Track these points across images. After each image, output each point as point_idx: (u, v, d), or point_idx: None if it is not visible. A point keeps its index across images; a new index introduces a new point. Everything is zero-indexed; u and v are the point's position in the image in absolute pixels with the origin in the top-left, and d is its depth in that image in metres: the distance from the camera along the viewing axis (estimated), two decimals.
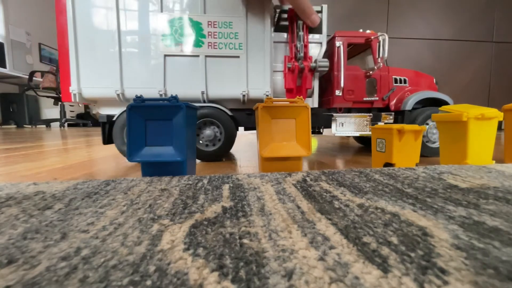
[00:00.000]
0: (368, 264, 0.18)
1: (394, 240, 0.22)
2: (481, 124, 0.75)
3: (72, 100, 1.08)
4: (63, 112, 3.75)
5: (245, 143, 1.85)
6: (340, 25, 2.72)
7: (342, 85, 1.30)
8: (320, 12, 1.28)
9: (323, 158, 1.16)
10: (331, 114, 1.31)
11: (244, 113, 1.22)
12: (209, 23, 1.10)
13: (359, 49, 1.52)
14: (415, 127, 0.78)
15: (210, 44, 1.11)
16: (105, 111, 1.16)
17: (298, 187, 0.40)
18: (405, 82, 1.41)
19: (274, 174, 0.48)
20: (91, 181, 0.44)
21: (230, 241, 0.22)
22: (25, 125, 4.00)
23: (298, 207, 0.31)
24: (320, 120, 1.34)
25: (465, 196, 0.35)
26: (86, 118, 4.82)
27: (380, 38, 1.28)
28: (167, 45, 1.10)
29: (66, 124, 3.93)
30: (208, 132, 1.10)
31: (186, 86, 1.13)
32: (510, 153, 0.85)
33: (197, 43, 1.11)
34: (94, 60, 1.07)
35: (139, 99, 0.55)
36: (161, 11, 1.09)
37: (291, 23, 1.22)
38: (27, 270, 0.18)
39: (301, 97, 0.74)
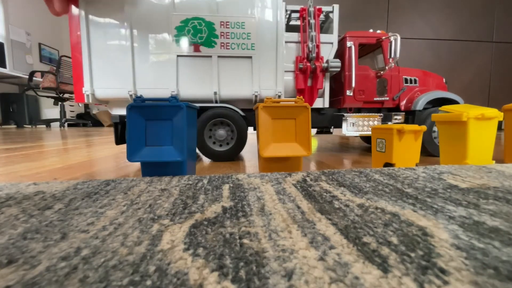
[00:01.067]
0: (368, 264, 0.18)
1: (394, 240, 0.22)
2: (481, 124, 0.75)
3: (85, 100, 1.08)
4: (63, 112, 3.75)
5: None
6: (340, 25, 2.72)
7: (353, 85, 1.30)
8: (331, 12, 1.27)
9: (323, 158, 1.16)
10: (342, 114, 1.32)
11: (254, 113, 1.23)
12: (222, 23, 1.11)
13: (369, 49, 1.53)
14: (415, 127, 0.78)
15: (222, 44, 1.11)
16: (117, 111, 1.17)
17: (298, 187, 0.40)
18: (415, 82, 1.42)
19: (274, 174, 0.48)
20: (91, 181, 0.44)
21: (230, 241, 0.22)
22: (25, 125, 4.00)
23: (298, 207, 0.31)
24: (331, 120, 1.34)
25: (465, 196, 0.35)
26: (86, 118, 4.82)
27: (392, 39, 1.28)
28: (179, 46, 1.10)
29: (66, 124, 3.93)
30: (220, 132, 1.10)
31: (199, 86, 1.13)
32: (510, 153, 0.85)
33: (210, 44, 1.11)
34: (107, 61, 1.07)
35: (139, 99, 0.55)
36: (174, 11, 1.08)
37: (303, 22, 1.22)
38: (27, 270, 0.18)
39: (301, 97, 0.74)
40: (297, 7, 1.23)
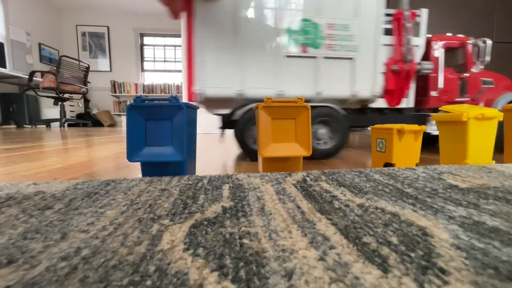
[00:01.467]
0: (368, 264, 0.18)
1: (394, 240, 0.22)
2: (481, 124, 0.75)
3: (196, 99, 1.13)
4: (63, 112, 3.75)
5: None
6: None
7: (441, 86, 1.40)
8: (419, 16, 1.34)
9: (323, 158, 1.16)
10: (427, 114, 1.40)
11: (353, 113, 1.30)
12: (328, 25, 1.14)
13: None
14: (415, 127, 0.78)
15: (328, 45, 1.15)
16: (215, 111, 1.21)
17: (298, 187, 0.40)
18: (491, 84, 1.51)
19: (274, 174, 0.48)
20: (91, 181, 0.44)
21: (230, 241, 0.22)
22: (25, 125, 4.00)
23: (298, 207, 0.31)
24: (413, 119, 1.41)
25: (465, 196, 0.35)
26: (86, 118, 4.82)
27: (482, 43, 1.39)
28: (288, 46, 1.13)
29: (66, 124, 3.93)
30: (322, 130, 1.14)
31: (302, 86, 1.16)
32: (510, 153, 0.85)
33: (316, 45, 1.14)
34: (218, 62, 1.11)
35: (139, 99, 0.55)
36: (283, 13, 1.12)
37: (398, 26, 1.29)
38: (27, 270, 0.18)
39: (301, 97, 0.74)
40: (392, 11, 1.30)
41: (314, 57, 1.15)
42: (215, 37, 1.10)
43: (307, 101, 1.14)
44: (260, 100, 1.13)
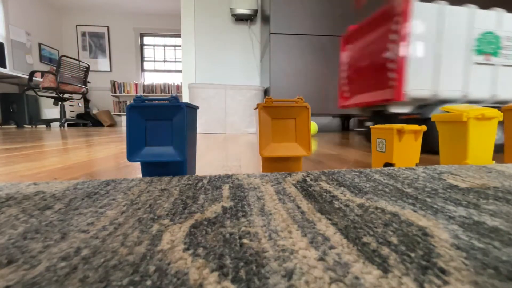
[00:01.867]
0: (368, 264, 0.18)
1: (394, 240, 0.22)
2: (481, 124, 0.75)
3: (404, 99, 1.28)
4: (63, 112, 3.75)
5: (245, 143, 1.85)
6: (340, 25, 2.72)
7: None
8: None
9: (323, 158, 1.16)
10: None
11: None
12: (506, 37, 1.37)
13: None
14: (415, 127, 0.78)
15: (504, 55, 1.37)
16: (393, 109, 1.38)
17: (298, 187, 0.40)
18: None
19: (274, 174, 0.48)
20: (91, 181, 0.44)
21: (230, 241, 0.22)
22: (25, 125, 4.00)
23: (298, 207, 0.31)
24: None
25: (465, 196, 0.35)
26: (86, 118, 4.83)
27: None
28: (477, 55, 1.33)
29: (66, 124, 3.93)
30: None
31: (481, 89, 1.36)
32: (510, 153, 0.85)
33: (496, 54, 1.35)
34: (423, 67, 1.30)
35: (139, 99, 0.55)
36: (474, 26, 1.32)
37: None
38: (27, 270, 0.18)
39: (302, 97, 0.74)
40: None
41: (493, 64, 1.35)
42: (423, 43, 1.29)
43: (480, 102, 1.36)
44: (449, 101, 1.33)
